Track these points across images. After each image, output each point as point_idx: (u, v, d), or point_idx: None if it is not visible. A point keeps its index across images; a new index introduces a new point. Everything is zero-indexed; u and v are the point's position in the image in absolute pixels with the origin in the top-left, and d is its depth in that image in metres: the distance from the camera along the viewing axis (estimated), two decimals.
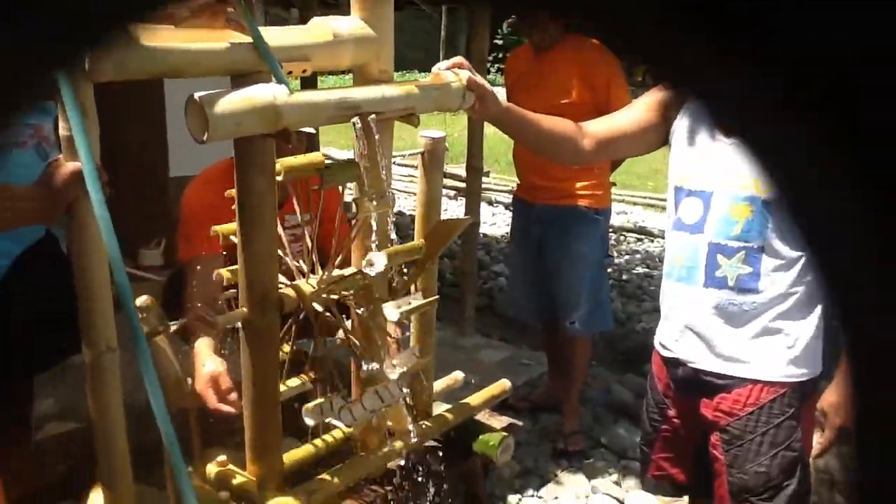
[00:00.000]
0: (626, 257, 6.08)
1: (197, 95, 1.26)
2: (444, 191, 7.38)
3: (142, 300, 1.58)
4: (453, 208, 7.30)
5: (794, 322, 1.75)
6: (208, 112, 1.25)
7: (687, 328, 1.84)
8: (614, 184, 3.33)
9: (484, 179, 7.98)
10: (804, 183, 0.26)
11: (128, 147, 4.60)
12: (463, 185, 5.66)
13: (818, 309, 1.76)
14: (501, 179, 8.57)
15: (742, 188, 1.73)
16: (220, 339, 2.01)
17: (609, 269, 5.54)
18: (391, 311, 1.49)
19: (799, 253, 1.71)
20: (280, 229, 1.61)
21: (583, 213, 3.06)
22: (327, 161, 1.54)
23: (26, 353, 2.24)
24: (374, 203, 1.48)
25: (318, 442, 1.81)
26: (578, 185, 3.05)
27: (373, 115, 1.46)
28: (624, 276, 5.54)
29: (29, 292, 2.22)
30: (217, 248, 2.18)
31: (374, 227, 1.50)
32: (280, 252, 1.61)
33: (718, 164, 1.77)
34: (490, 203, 7.62)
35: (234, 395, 1.81)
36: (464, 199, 4.93)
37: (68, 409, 3.16)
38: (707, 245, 1.77)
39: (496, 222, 7.06)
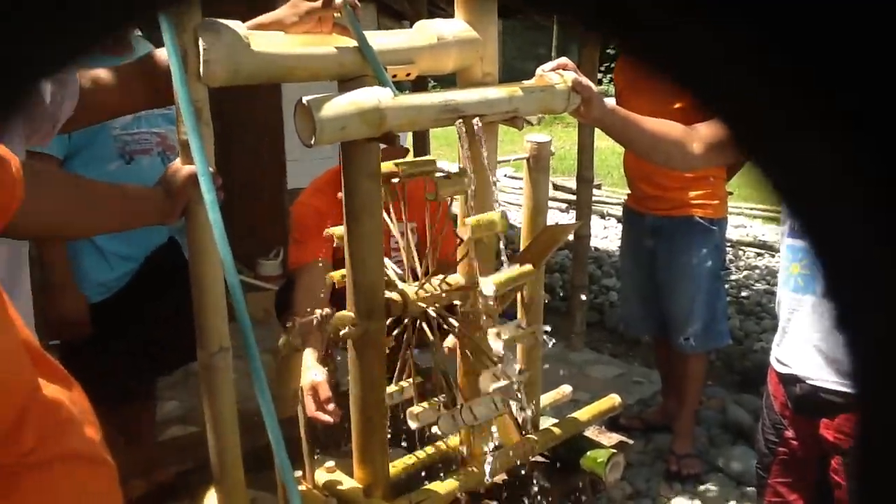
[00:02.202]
0: (745, 273, 5.80)
1: (305, 99, 1.27)
2: (556, 203, 7.32)
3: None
4: (564, 221, 7.19)
5: None
6: (315, 116, 1.26)
7: (805, 342, 1.72)
8: (731, 193, 3.18)
9: (595, 192, 7.85)
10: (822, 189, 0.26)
11: (246, 159, 4.78)
12: (573, 196, 5.56)
13: None
14: (613, 192, 8.40)
15: None
16: (325, 349, 2.03)
17: (725, 286, 5.33)
18: (494, 341, 1.45)
19: None
20: (395, 231, 1.61)
21: (697, 224, 2.93)
22: (439, 174, 1.52)
23: (150, 354, 2.33)
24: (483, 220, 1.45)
25: (426, 451, 1.79)
26: (692, 194, 2.93)
27: (476, 119, 1.44)
28: (743, 293, 5.29)
29: (152, 296, 2.32)
30: (327, 255, 2.21)
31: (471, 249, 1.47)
32: (394, 266, 1.61)
33: None
34: (602, 216, 7.47)
35: (332, 405, 1.82)
36: (574, 211, 4.84)
37: (191, 414, 3.28)
38: None
39: (608, 235, 6.90)
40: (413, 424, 1.49)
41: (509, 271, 1.46)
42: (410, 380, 1.62)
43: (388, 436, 1.61)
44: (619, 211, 6.92)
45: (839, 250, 0.26)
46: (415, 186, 1.72)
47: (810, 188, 0.26)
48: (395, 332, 1.59)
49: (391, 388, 1.64)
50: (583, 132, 4.07)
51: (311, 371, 1.91)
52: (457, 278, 1.63)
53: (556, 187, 8.07)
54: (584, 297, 4.24)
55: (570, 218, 7.14)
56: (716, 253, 2.99)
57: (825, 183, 0.25)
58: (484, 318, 1.55)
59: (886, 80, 0.23)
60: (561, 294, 5.05)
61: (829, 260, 0.27)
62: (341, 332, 1.43)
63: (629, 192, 3.27)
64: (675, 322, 3.02)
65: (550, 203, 6.67)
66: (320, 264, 2.14)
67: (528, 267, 1.50)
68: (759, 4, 0.23)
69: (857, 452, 0.28)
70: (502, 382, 1.56)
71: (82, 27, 0.24)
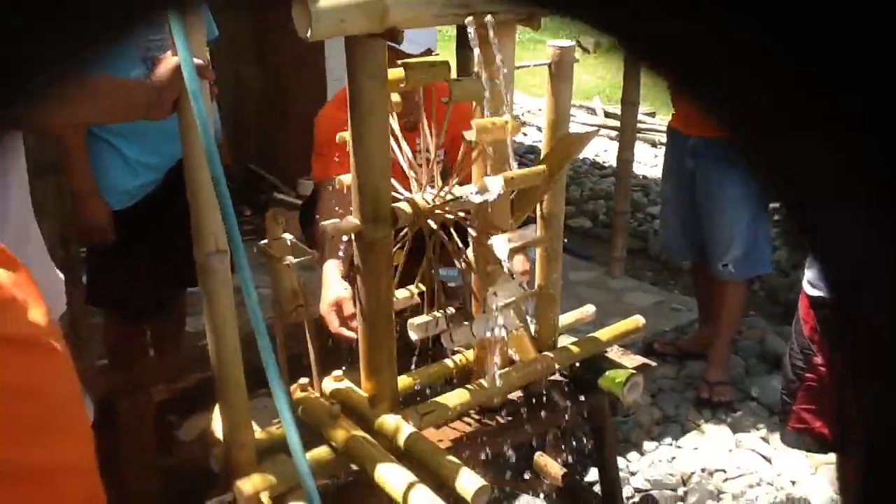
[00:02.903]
0: None
1: None
2: (606, 131, 7.13)
3: (269, 214, 1.58)
4: (613, 149, 7.02)
5: None
6: (311, 6, 1.19)
7: None
8: None
9: (648, 120, 7.63)
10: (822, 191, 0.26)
11: (290, 89, 4.75)
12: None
13: None
14: (666, 120, 8.14)
15: None
16: (348, 262, 2.00)
17: (774, 216, 5.15)
18: (500, 244, 1.39)
19: None
20: (408, 151, 1.55)
21: None
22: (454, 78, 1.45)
23: (172, 262, 2.34)
24: (493, 123, 1.38)
25: (438, 364, 1.77)
26: None
27: (489, 17, 1.35)
28: None
29: (175, 205, 2.32)
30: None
31: (490, 152, 1.40)
32: (404, 166, 1.56)
33: None
34: (653, 145, 7.25)
35: (356, 322, 1.79)
36: None
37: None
38: None
39: (658, 164, 6.72)
40: (413, 336, 1.46)
41: (524, 234, 1.41)
42: (414, 287, 1.57)
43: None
44: None
45: (843, 252, 0.26)
46: (440, 94, 1.65)
47: (813, 190, 0.26)
48: (404, 244, 1.55)
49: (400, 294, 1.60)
50: None
51: (335, 286, 1.89)
52: (469, 189, 1.57)
53: (607, 115, 7.85)
54: (623, 223, 4.14)
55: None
56: None
57: (828, 185, 0.25)
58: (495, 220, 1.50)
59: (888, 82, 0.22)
60: (604, 221, 4.95)
61: (833, 262, 0.27)
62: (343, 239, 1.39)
63: (672, 110, 3.14)
64: (714, 247, 2.92)
65: (601, 132, 6.47)
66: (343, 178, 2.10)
67: (544, 235, 1.44)
68: (761, 6, 0.23)
69: (859, 454, 0.28)
70: (510, 293, 1.52)
71: (83, 27, 0.24)
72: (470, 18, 1.35)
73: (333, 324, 1.83)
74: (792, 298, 3.95)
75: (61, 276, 1.49)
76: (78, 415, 0.79)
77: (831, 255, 0.27)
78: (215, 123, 2.50)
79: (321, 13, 1.19)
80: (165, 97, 1.19)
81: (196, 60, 1.14)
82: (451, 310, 1.55)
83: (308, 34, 1.21)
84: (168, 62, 1.19)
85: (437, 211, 1.51)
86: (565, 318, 1.94)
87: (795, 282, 4.15)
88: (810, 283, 1.72)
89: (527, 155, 6.21)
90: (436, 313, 1.52)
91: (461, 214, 1.54)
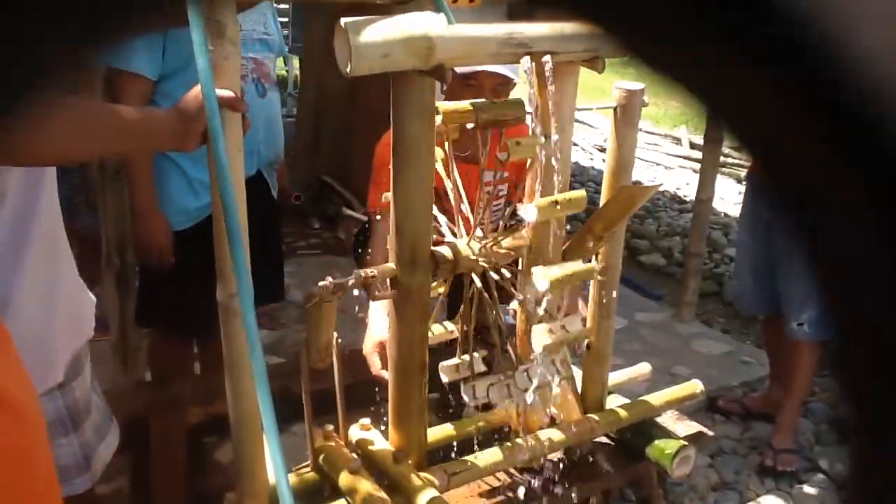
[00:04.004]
0: None
1: (343, 21, 1.13)
2: (691, 163, 6.89)
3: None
4: (695, 182, 6.78)
5: None
6: (352, 40, 1.11)
7: None
8: None
9: (735, 154, 7.35)
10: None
11: (372, 102, 4.71)
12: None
13: None
14: None
15: None
16: None
17: None
18: (539, 275, 1.28)
19: None
20: (442, 185, 1.46)
21: None
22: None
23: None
24: (530, 144, 1.28)
25: (474, 420, 1.67)
26: None
27: (547, 57, 1.26)
28: None
29: None
30: None
31: (533, 180, 1.30)
32: (443, 210, 1.47)
33: None
34: (739, 181, 6.97)
35: None
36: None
37: (279, 344, 3.31)
38: None
39: (741, 201, 6.45)
40: (444, 378, 1.37)
41: (568, 267, 1.30)
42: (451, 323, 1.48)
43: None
44: None
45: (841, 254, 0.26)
46: (511, 131, 1.56)
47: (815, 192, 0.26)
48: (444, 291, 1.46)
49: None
50: None
51: (380, 326, 1.80)
52: (521, 237, 1.47)
53: (693, 146, 7.60)
54: (697, 266, 3.94)
55: None
56: None
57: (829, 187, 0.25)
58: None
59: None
60: (679, 259, 4.75)
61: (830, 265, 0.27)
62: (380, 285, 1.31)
63: None
64: (789, 303, 2.73)
65: (684, 163, 6.24)
66: None
67: (590, 266, 1.33)
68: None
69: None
70: (552, 335, 1.40)
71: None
72: (527, 58, 1.26)
73: (375, 366, 1.74)
74: None
75: (93, 298, 1.45)
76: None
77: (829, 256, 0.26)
78: (274, 148, 2.46)
79: (362, 48, 1.11)
80: (192, 128, 1.14)
81: (224, 92, 1.08)
82: (482, 352, 1.45)
83: (348, 69, 1.14)
84: (196, 90, 1.13)
85: (479, 260, 1.42)
86: (617, 376, 1.82)
87: None
88: None
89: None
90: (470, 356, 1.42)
91: (506, 261, 1.44)
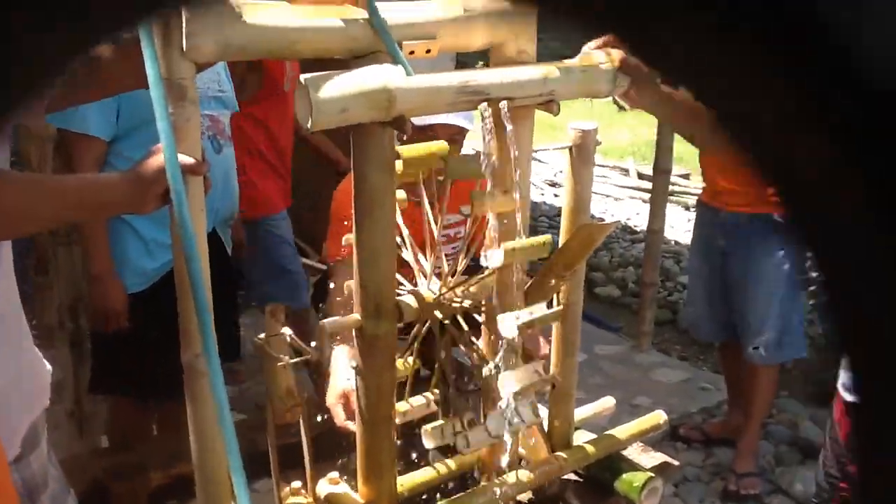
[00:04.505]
0: None
1: (303, 77, 1.14)
2: (639, 193, 7.00)
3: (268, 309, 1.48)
4: (645, 212, 6.91)
5: None
6: (313, 96, 1.12)
7: None
8: None
9: (682, 182, 7.52)
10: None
11: (318, 153, 4.71)
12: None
13: None
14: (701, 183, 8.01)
15: None
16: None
17: (812, 287, 4.97)
18: (507, 324, 1.30)
19: None
20: (401, 234, 1.47)
21: (776, 223, 2.68)
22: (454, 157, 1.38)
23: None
24: (495, 200, 1.30)
25: (439, 466, 1.66)
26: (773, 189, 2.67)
27: (504, 102, 1.28)
28: None
29: None
30: None
31: (493, 223, 1.32)
32: (409, 255, 1.48)
33: None
34: (687, 208, 7.12)
35: None
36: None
37: (237, 400, 3.24)
38: None
39: (691, 229, 6.58)
40: (428, 444, 1.36)
41: (534, 311, 1.31)
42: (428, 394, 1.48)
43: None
44: None
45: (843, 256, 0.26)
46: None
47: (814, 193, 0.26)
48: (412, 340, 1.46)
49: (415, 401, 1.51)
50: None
51: (343, 376, 1.77)
52: (484, 282, 1.48)
53: (641, 176, 7.75)
54: (652, 295, 4.01)
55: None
56: (797, 256, 2.73)
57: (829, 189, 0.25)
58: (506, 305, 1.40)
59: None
60: (633, 289, 4.82)
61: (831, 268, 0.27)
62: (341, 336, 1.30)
63: (704, 184, 3.04)
64: (745, 329, 2.79)
65: (633, 194, 6.32)
66: None
67: (557, 310, 1.35)
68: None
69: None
70: (522, 379, 1.41)
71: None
72: (484, 105, 1.28)
73: (339, 417, 1.72)
74: (828, 379, 3.78)
75: (49, 367, 1.41)
76: None
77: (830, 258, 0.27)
78: (230, 203, 2.44)
79: (322, 103, 1.12)
80: (150, 191, 1.12)
81: (185, 159, 1.07)
82: (469, 415, 1.45)
83: (309, 124, 1.14)
84: (156, 155, 1.12)
85: (443, 303, 1.42)
86: (582, 412, 1.83)
87: (832, 362, 3.97)
88: (845, 386, 1.59)
89: (556, 217, 6.12)
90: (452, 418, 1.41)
91: (470, 304, 1.45)
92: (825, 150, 0.25)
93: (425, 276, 1.47)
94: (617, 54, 1.38)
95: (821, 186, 0.26)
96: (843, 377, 1.62)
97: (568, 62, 1.39)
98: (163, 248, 2.21)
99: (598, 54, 1.40)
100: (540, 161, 8.15)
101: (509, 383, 1.40)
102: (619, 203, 7.21)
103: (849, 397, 1.59)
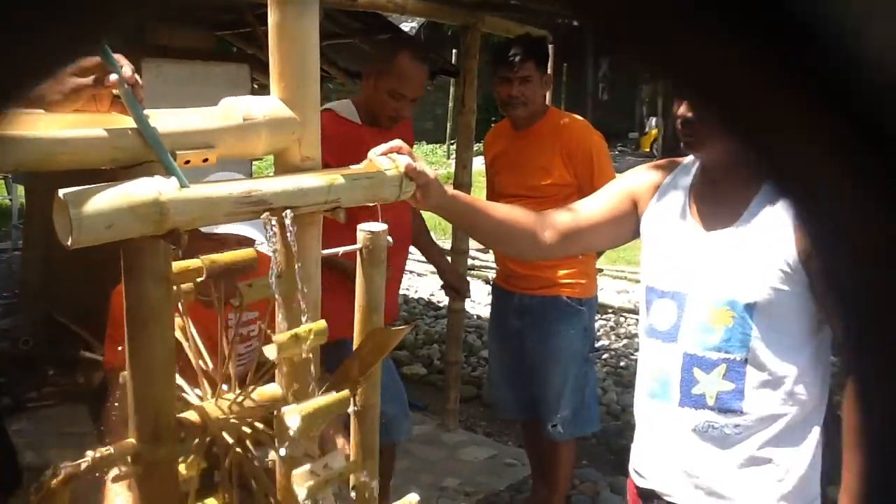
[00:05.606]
0: (625, 341, 5.78)
1: (62, 192, 1.05)
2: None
3: None
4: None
5: (785, 450, 1.48)
6: (71, 211, 1.04)
7: (663, 454, 1.58)
8: (601, 270, 3.11)
9: (482, 256, 7.79)
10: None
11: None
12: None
13: (814, 433, 1.50)
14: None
15: (721, 290, 1.49)
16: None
17: (604, 356, 5.28)
18: (291, 414, 1.23)
19: (789, 365, 1.46)
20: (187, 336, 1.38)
21: (565, 305, 2.82)
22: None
23: None
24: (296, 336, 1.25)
25: None
26: (560, 272, 2.82)
27: (287, 211, 1.25)
28: (622, 363, 5.25)
29: None
30: None
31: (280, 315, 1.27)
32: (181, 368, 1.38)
33: (695, 261, 1.53)
34: (487, 282, 7.38)
35: None
36: None
37: None
38: (682, 356, 1.52)
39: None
40: None
41: (320, 401, 1.26)
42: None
43: None
44: None
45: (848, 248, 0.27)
46: (257, 272, 1.51)
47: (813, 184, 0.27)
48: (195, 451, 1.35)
49: None
50: None
51: None
52: (273, 388, 1.41)
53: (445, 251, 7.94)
54: (456, 373, 4.07)
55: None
56: (584, 335, 2.88)
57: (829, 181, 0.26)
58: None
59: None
60: (439, 366, 4.87)
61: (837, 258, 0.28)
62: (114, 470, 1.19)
63: (496, 268, 3.15)
64: (543, 407, 2.89)
65: (435, 270, 6.42)
66: None
67: (343, 394, 1.31)
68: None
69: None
70: (317, 476, 1.34)
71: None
72: (266, 214, 1.24)
73: None
74: (624, 444, 3.99)
75: None
76: None
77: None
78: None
79: (84, 219, 1.04)
80: None
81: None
82: None
83: (69, 241, 1.05)
84: None
85: (232, 420, 1.34)
86: None
87: (626, 427, 4.19)
88: (636, 471, 1.67)
89: None
90: None
91: (261, 425, 1.38)
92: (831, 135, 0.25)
93: (213, 386, 1.39)
94: (402, 160, 1.41)
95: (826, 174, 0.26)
96: (633, 461, 1.69)
97: (353, 169, 1.39)
98: None
99: (384, 160, 1.42)
100: None
101: (301, 480, 1.33)
102: (422, 278, 7.35)
103: (639, 482, 1.66)
